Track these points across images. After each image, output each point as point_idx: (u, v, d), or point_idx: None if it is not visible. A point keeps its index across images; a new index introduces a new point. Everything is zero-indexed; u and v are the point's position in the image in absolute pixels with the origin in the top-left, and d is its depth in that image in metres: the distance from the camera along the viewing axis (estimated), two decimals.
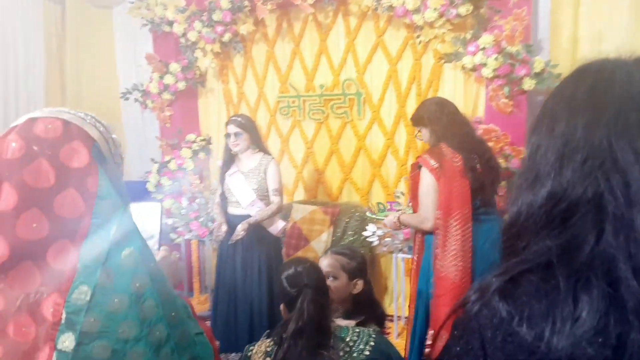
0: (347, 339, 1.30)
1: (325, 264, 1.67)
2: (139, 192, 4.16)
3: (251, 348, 1.39)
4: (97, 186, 0.78)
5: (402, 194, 3.18)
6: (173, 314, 0.82)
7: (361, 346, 1.29)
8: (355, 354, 1.27)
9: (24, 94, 4.35)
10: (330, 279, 1.64)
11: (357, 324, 1.60)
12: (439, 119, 2.22)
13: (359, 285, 1.67)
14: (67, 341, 0.73)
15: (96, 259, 0.76)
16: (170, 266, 1.15)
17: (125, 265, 0.77)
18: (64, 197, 0.76)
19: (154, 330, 0.78)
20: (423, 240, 2.22)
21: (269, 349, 1.33)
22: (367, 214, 2.98)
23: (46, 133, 0.78)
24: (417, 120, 2.31)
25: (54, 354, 0.73)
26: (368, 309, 1.68)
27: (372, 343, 1.30)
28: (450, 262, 1.99)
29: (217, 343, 1.00)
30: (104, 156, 0.83)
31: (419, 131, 2.32)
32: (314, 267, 1.41)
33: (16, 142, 0.76)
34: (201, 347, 0.89)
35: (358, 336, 1.32)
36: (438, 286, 2.02)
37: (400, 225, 2.35)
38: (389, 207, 2.98)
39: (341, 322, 1.63)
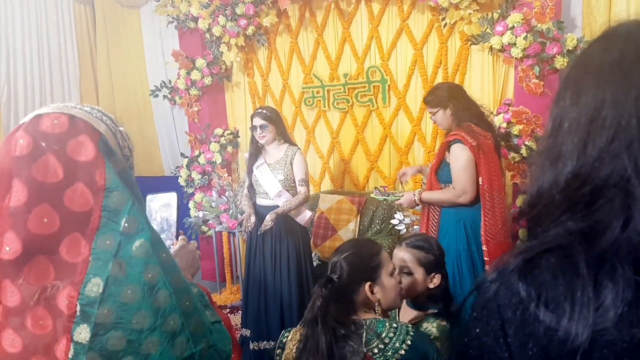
0: (383, 335, 1.20)
1: (399, 258, 1.56)
2: (171, 187, 4.27)
3: (286, 334, 1.36)
4: (105, 179, 0.79)
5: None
6: (187, 303, 0.82)
7: (397, 344, 1.19)
8: (389, 353, 1.18)
9: (60, 94, 4.53)
10: (404, 274, 1.53)
11: (427, 316, 1.53)
12: (460, 100, 2.30)
13: (436, 279, 1.54)
14: (82, 333, 0.75)
15: (108, 251, 0.77)
16: (189, 255, 1.15)
17: (137, 257, 0.78)
18: (73, 191, 0.77)
19: (168, 320, 0.78)
20: (439, 216, 2.33)
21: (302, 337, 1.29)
22: (372, 195, 2.90)
23: (52, 128, 0.78)
24: (438, 101, 2.33)
25: (71, 346, 0.75)
26: (442, 303, 1.55)
27: (409, 342, 1.19)
28: (500, 228, 2.21)
29: (247, 332, 0.99)
30: (111, 149, 0.83)
31: (435, 114, 2.36)
32: (341, 262, 1.29)
33: (23, 138, 0.77)
34: (218, 336, 0.88)
35: (395, 332, 1.21)
36: (490, 252, 2.20)
37: (417, 203, 2.40)
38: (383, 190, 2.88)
39: (408, 311, 1.59)
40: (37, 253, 0.76)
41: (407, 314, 1.60)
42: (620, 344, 0.44)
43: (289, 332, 1.35)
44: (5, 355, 0.77)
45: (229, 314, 3.47)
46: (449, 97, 2.30)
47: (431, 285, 1.53)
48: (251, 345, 2.83)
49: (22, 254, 0.75)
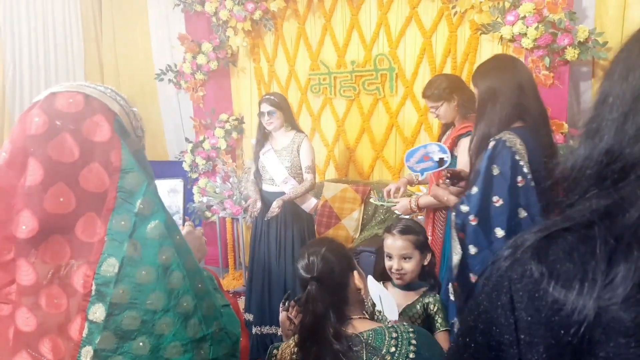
0: (384, 351, 1.07)
1: (396, 246, 1.61)
2: (175, 172, 4.27)
3: (275, 352, 1.23)
4: (121, 160, 0.78)
5: None
6: (199, 285, 0.83)
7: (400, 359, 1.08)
8: None
9: (64, 76, 4.50)
10: (404, 260, 1.60)
11: (422, 295, 1.61)
12: (464, 90, 2.18)
13: (429, 257, 1.65)
14: (97, 312, 0.75)
15: (123, 232, 0.77)
16: (195, 240, 1.14)
17: (152, 238, 0.78)
18: (89, 171, 0.77)
19: (181, 302, 0.79)
20: (445, 216, 2.14)
21: (294, 356, 1.17)
22: (371, 200, 2.78)
23: (68, 107, 0.78)
24: (441, 94, 2.18)
25: (86, 325, 0.75)
26: (430, 278, 1.66)
27: (412, 355, 1.07)
28: None
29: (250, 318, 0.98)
30: (125, 129, 0.83)
31: (438, 107, 2.21)
32: (327, 255, 1.17)
33: (39, 117, 0.76)
34: (227, 319, 0.89)
35: (397, 346, 1.08)
36: None
37: (414, 210, 2.21)
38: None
39: (403, 294, 1.63)
40: (53, 232, 0.76)
41: (401, 297, 1.64)
42: (625, 322, 0.44)
43: (278, 348, 1.23)
44: (20, 334, 0.78)
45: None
46: (452, 88, 2.18)
47: (425, 263, 1.65)
48: (254, 330, 2.86)
49: (38, 232, 0.75)
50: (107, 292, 0.75)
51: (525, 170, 1.62)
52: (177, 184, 3.77)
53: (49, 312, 0.76)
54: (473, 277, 1.70)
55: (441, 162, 2.14)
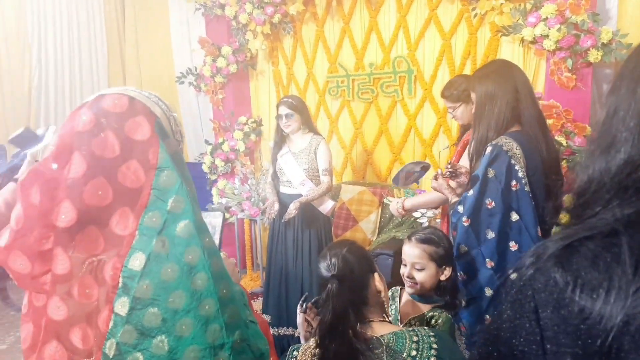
0: (404, 354, 1.07)
1: (410, 254, 1.56)
2: (194, 173, 4.33)
3: (295, 353, 1.23)
4: (158, 159, 0.82)
5: None
6: (224, 290, 0.83)
7: None
8: None
9: (89, 80, 4.62)
10: (416, 270, 1.54)
11: (433, 308, 1.54)
12: None
13: (447, 272, 1.55)
14: (122, 305, 0.77)
15: (153, 228, 0.79)
16: (229, 266, 1.15)
17: (180, 237, 0.80)
18: (127, 167, 0.81)
19: (203, 304, 0.79)
20: None
21: (315, 358, 1.17)
22: (385, 200, 2.79)
23: (113, 107, 0.83)
24: (459, 95, 2.19)
25: (112, 317, 0.78)
26: (449, 295, 1.55)
27: (433, 359, 1.07)
28: None
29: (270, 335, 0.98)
30: (165, 131, 0.87)
31: (456, 109, 2.23)
32: (347, 256, 1.18)
33: (86, 115, 0.82)
34: (253, 333, 0.88)
35: (417, 349, 1.08)
36: None
37: (402, 212, 2.20)
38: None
39: (414, 304, 1.59)
40: (89, 223, 0.80)
41: (410, 307, 1.61)
42: None
43: (298, 350, 1.23)
44: (51, 323, 0.80)
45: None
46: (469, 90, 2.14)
47: (442, 278, 1.55)
48: (271, 331, 2.87)
49: (76, 223, 0.79)
50: (132, 286, 0.77)
51: (520, 174, 1.65)
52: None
53: (80, 301, 0.79)
54: (461, 276, 1.72)
55: (424, 168, 2.23)
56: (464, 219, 1.67)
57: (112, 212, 0.80)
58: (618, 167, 0.51)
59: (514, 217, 1.65)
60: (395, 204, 2.23)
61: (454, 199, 1.83)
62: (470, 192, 1.69)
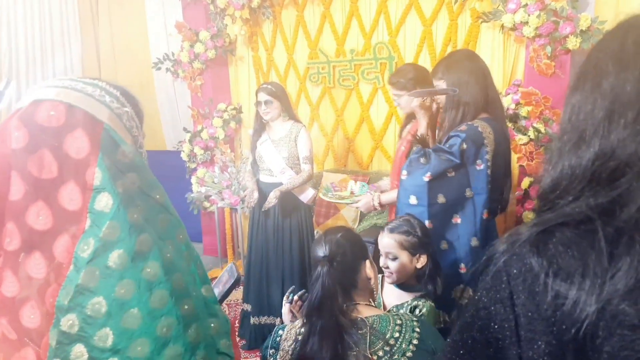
0: (387, 336, 1.12)
1: (383, 244, 1.58)
2: (174, 162, 4.25)
3: (280, 332, 1.27)
4: (94, 178, 0.74)
5: None
6: (164, 329, 0.75)
7: (404, 345, 1.11)
8: (396, 356, 1.09)
9: (62, 65, 4.46)
10: (389, 260, 1.56)
11: (416, 297, 1.55)
12: (428, 85, 2.19)
13: (422, 259, 1.56)
14: (52, 338, 0.72)
15: (83, 258, 0.73)
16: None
17: (112, 268, 0.72)
18: (65, 188, 0.73)
19: (134, 345, 0.73)
20: None
21: (299, 337, 1.21)
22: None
23: (49, 121, 0.74)
24: (407, 84, 2.17)
25: (48, 348, 0.73)
26: (429, 284, 1.57)
27: (416, 342, 1.12)
28: None
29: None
30: (114, 141, 0.77)
31: (400, 96, 2.20)
32: (340, 240, 1.23)
33: (19, 130, 0.73)
34: None
35: (400, 332, 1.13)
36: None
37: (377, 208, 2.16)
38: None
39: (396, 293, 1.60)
40: (34, 248, 0.73)
41: (394, 296, 1.62)
42: (629, 315, 0.44)
43: (283, 329, 1.27)
44: (1, 341, 0.76)
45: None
46: (417, 80, 2.16)
47: (418, 266, 1.57)
48: (252, 320, 2.86)
49: (21, 247, 0.73)
50: (60, 318, 0.72)
51: (487, 157, 1.73)
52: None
53: (25, 327, 0.74)
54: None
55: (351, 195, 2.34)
56: (428, 174, 1.71)
57: (55, 237, 0.73)
58: (589, 160, 0.51)
59: (468, 193, 1.74)
60: (369, 199, 2.16)
61: (423, 123, 1.90)
62: (441, 154, 1.74)
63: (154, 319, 0.74)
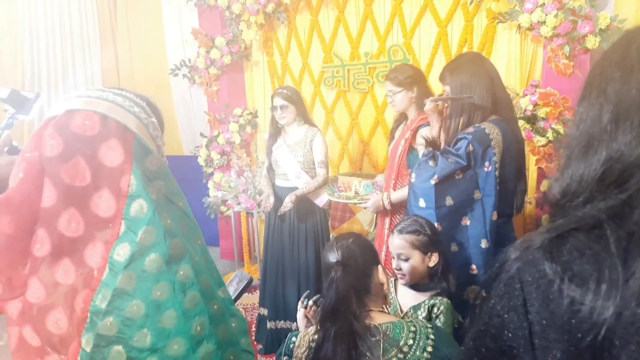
0: (401, 343, 1.10)
1: (394, 245, 1.58)
2: (191, 167, 4.31)
3: (293, 339, 1.27)
4: (129, 185, 0.76)
5: None
6: (198, 328, 0.77)
7: (418, 352, 1.10)
8: None
9: (82, 73, 4.56)
10: (402, 261, 1.56)
11: (432, 296, 1.56)
12: (423, 86, 2.29)
13: (434, 257, 1.57)
14: (86, 342, 0.74)
15: (120, 262, 0.75)
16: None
17: (148, 272, 0.75)
18: (99, 196, 0.75)
19: (171, 344, 0.75)
20: None
21: (312, 344, 1.22)
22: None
23: (83, 130, 0.75)
24: (405, 81, 2.26)
25: (80, 351, 0.75)
26: (444, 280, 1.58)
27: (430, 349, 1.10)
28: None
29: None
30: (146, 148, 0.79)
31: (396, 93, 2.29)
32: (352, 246, 1.23)
33: (54, 138, 0.75)
34: None
35: (414, 338, 1.12)
36: None
37: (387, 207, 2.20)
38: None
39: (411, 294, 1.60)
40: (64, 255, 0.75)
41: (410, 297, 1.61)
42: None
43: (296, 336, 1.27)
44: (22, 347, 0.77)
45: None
46: (414, 79, 2.24)
47: (430, 264, 1.57)
48: (268, 325, 2.87)
49: (51, 253, 0.75)
50: (97, 322, 0.74)
51: (495, 159, 1.73)
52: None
53: (51, 332, 0.76)
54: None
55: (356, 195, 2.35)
56: (435, 177, 1.73)
57: (86, 244, 0.76)
58: (597, 164, 0.51)
59: (477, 195, 1.74)
60: (378, 199, 2.21)
61: (435, 127, 1.92)
62: (450, 158, 1.75)
63: (189, 318, 0.77)
